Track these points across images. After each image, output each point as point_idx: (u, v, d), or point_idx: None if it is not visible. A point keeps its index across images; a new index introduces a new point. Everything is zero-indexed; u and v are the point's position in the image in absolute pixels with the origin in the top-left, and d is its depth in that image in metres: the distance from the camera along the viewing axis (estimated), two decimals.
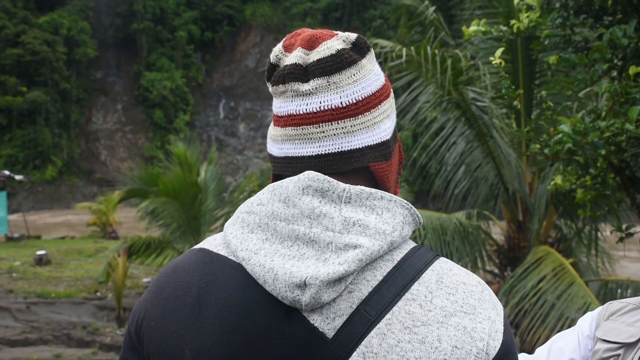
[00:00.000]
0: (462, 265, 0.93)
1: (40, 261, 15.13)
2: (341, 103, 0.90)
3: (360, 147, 0.90)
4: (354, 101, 0.90)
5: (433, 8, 6.79)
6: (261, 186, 10.33)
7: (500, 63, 2.74)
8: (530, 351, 1.56)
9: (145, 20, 46.40)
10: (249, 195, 9.43)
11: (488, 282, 6.93)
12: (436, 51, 5.92)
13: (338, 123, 0.89)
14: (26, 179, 32.39)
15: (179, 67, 47.19)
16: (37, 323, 9.95)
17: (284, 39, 0.96)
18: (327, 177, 0.86)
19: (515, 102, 2.88)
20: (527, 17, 2.90)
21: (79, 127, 45.01)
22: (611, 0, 2.68)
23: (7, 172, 24.38)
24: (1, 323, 9.96)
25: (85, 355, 8.54)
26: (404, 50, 6.01)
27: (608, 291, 5.99)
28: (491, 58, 2.77)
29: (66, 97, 43.47)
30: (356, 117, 0.90)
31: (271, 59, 0.95)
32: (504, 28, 3.09)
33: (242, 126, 48.91)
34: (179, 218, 9.21)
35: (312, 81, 0.90)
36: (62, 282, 13.18)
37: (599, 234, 6.42)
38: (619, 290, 5.95)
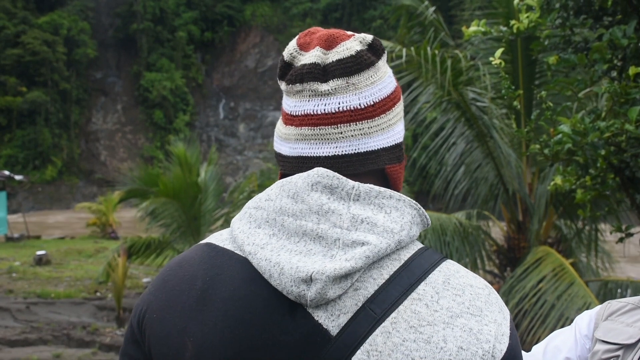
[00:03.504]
0: (461, 266, 0.93)
1: (40, 261, 15.12)
2: (360, 104, 0.90)
3: (376, 149, 0.91)
4: (372, 103, 0.91)
5: (433, 8, 6.79)
6: (261, 186, 10.34)
7: (500, 63, 2.74)
8: (529, 351, 1.55)
9: (145, 20, 46.39)
10: (249, 196, 9.44)
11: (488, 283, 6.93)
12: (436, 51, 5.92)
13: (356, 124, 0.90)
14: (26, 179, 32.37)
15: (179, 67, 47.17)
16: (37, 323, 9.95)
17: (297, 37, 0.96)
18: (336, 174, 0.86)
19: (515, 103, 2.88)
20: (527, 17, 2.91)
21: (79, 127, 44.99)
22: (611, 0, 2.68)
23: (7, 172, 24.33)
24: (1, 323, 9.95)
25: (85, 355, 8.53)
26: (404, 50, 6.00)
27: (608, 291, 5.99)
28: (491, 58, 2.77)
29: (66, 98, 43.46)
30: (373, 119, 0.91)
31: (285, 57, 0.94)
32: (504, 28, 3.09)
33: (242, 126, 48.89)
34: (178, 218, 9.20)
35: (331, 81, 0.90)
36: (61, 282, 13.17)
37: (598, 234, 6.43)
38: (619, 290, 5.95)
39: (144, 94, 45.91)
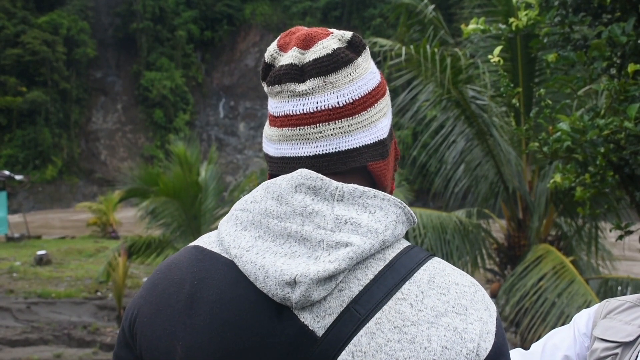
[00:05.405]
0: (462, 264, 0.93)
1: (41, 261, 15.12)
2: (338, 103, 0.89)
3: (358, 146, 0.90)
4: (351, 101, 0.90)
5: (432, 7, 6.79)
6: None
7: (499, 61, 2.73)
8: (528, 349, 1.55)
9: (145, 19, 46.37)
10: None
11: (488, 281, 6.94)
12: (435, 50, 5.92)
13: (335, 123, 0.89)
14: (26, 179, 32.33)
15: (179, 66, 47.16)
16: (38, 323, 9.95)
17: (278, 38, 0.95)
18: (319, 175, 0.86)
19: (514, 100, 2.87)
20: (526, 15, 2.90)
21: (79, 127, 45.00)
22: None
23: (7, 172, 24.32)
24: (2, 323, 9.96)
25: (85, 355, 8.54)
26: (404, 48, 6.01)
27: (608, 289, 5.99)
28: (490, 56, 2.76)
29: (66, 97, 43.46)
30: (353, 117, 0.90)
31: (266, 59, 0.94)
32: (503, 26, 3.08)
33: (242, 125, 48.90)
34: (179, 217, 9.21)
35: (308, 81, 0.89)
36: (62, 282, 13.18)
37: (598, 231, 6.43)
38: (619, 288, 5.96)
39: (144, 93, 45.90)
